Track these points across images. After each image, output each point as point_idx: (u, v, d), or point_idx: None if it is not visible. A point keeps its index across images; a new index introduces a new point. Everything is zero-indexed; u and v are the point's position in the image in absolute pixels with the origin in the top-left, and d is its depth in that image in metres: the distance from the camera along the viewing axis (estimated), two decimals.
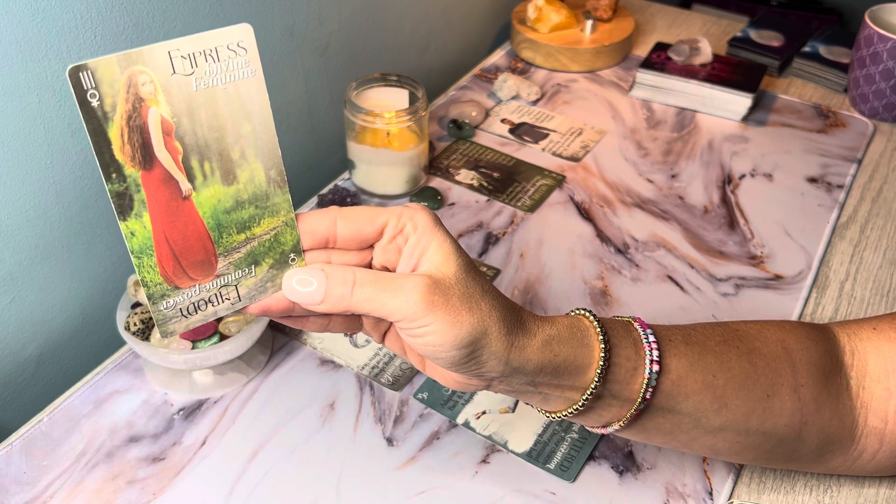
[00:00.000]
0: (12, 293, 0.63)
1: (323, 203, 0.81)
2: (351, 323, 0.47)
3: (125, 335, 0.58)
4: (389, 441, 0.59)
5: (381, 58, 0.96)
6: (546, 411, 0.48)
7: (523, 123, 0.94)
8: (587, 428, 0.50)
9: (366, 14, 0.90)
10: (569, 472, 0.57)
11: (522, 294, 0.71)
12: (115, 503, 0.54)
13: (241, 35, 0.38)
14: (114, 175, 0.37)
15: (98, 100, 0.36)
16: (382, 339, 0.48)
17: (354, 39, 0.90)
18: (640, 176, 0.86)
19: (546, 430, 0.59)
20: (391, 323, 0.47)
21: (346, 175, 0.85)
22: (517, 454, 0.58)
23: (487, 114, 0.96)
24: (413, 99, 0.79)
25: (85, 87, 0.35)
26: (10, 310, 0.64)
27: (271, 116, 0.40)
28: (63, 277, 0.67)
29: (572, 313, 0.47)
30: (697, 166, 0.88)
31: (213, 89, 0.38)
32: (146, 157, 0.38)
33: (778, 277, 0.74)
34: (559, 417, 0.47)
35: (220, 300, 0.42)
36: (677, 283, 0.73)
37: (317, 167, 0.92)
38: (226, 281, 0.42)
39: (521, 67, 1.05)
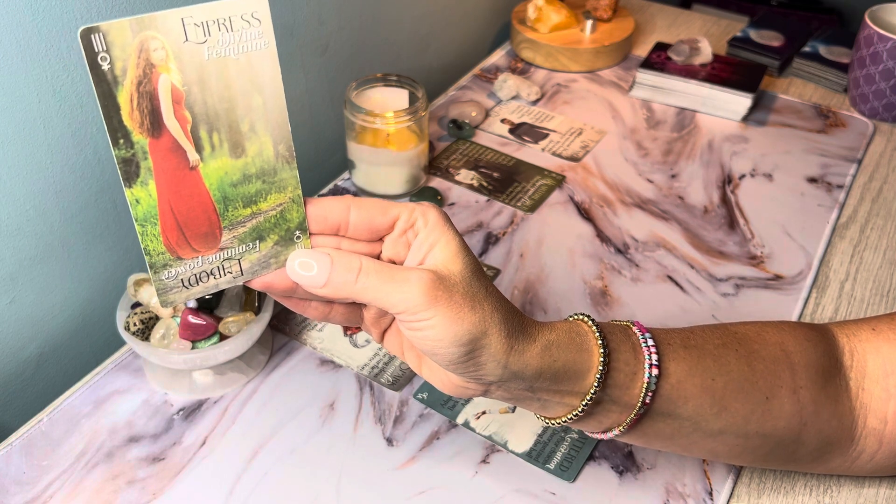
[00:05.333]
0: (12, 293, 0.63)
1: None
2: (351, 315, 0.46)
3: (125, 335, 0.58)
4: (389, 441, 0.59)
5: (381, 58, 0.96)
6: (545, 417, 0.48)
7: (523, 123, 0.94)
8: (587, 433, 0.50)
9: (366, 14, 0.90)
10: (569, 472, 0.57)
11: (522, 294, 0.71)
12: (115, 503, 0.54)
13: (256, 6, 0.38)
14: (121, 141, 0.37)
15: (109, 63, 0.35)
16: (381, 338, 0.48)
17: (354, 39, 0.90)
18: (640, 176, 0.86)
19: (546, 430, 0.59)
20: (391, 321, 0.47)
21: (346, 175, 0.85)
22: (517, 454, 0.58)
23: (487, 114, 0.96)
24: (413, 99, 0.79)
25: (96, 50, 0.35)
26: (10, 310, 0.64)
27: (282, 90, 0.40)
28: (63, 277, 0.67)
29: (571, 318, 0.47)
30: (697, 166, 0.88)
31: (225, 59, 0.38)
32: (155, 124, 0.37)
33: (778, 277, 0.74)
34: (558, 424, 0.47)
35: (221, 273, 0.42)
36: (677, 284, 0.73)
37: (317, 167, 0.92)
38: (229, 254, 0.42)
39: (521, 67, 1.05)
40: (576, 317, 0.47)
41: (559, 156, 0.89)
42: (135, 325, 0.59)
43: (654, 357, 0.46)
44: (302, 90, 0.85)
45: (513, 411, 0.61)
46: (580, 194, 0.83)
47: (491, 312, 0.42)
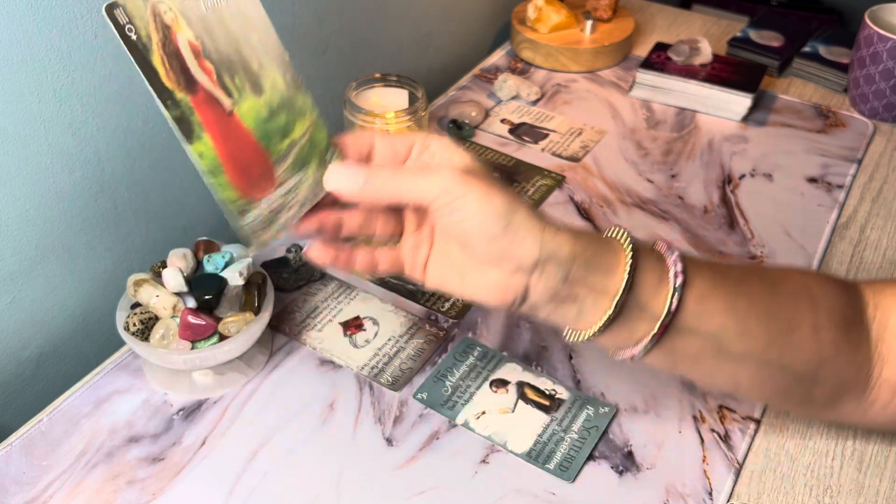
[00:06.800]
0: (12, 293, 0.63)
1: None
2: (394, 227, 0.50)
3: (125, 335, 0.58)
4: (389, 441, 0.59)
5: (380, 58, 0.96)
6: (579, 331, 0.48)
7: (523, 123, 0.94)
8: (616, 357, 0.50)
9: (366, 14, 0.90)
10: (568, 472, 0.57)
11: None
12: (115, 503, 0.54)
13: None
14: (169, 102, 0.39)
15: (135, 33, 0.37)
16: (423, 271, 0.49)
17: (354, 40, 0.90)
18: (639, 176, 0.86)
19: (546, 430, 0.59)
20: (430, 246, 0.49)
21: None
22: (517, 454, 0.58)
23: (487, 114, 0.96)
24: (413, 99, 0.79)
25: (122, 23, 0.37)
26: (10, 310, 0.64)
27: (271, 25, 0.43)
28: (63, 277, 0.67)
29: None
30: (697, 166, 0.88)
31: (219, 8, 0.41)
32: (189, 80, 0.40)
33: None
34: (591, 335, 0.47)
35: (289, 206, 0.45)
36: None
37: None
38: (287, 188, 0.44)
39: (520, 67, 1.05)
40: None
41: (559, 156, 0.89)
42: (134, 325, 0.59)
43: (679, 265, 0.47)
44: None
45: (512, 412, 0.61)
46: (580, 194, 0.83)
47: (518, 197, 0.45)
